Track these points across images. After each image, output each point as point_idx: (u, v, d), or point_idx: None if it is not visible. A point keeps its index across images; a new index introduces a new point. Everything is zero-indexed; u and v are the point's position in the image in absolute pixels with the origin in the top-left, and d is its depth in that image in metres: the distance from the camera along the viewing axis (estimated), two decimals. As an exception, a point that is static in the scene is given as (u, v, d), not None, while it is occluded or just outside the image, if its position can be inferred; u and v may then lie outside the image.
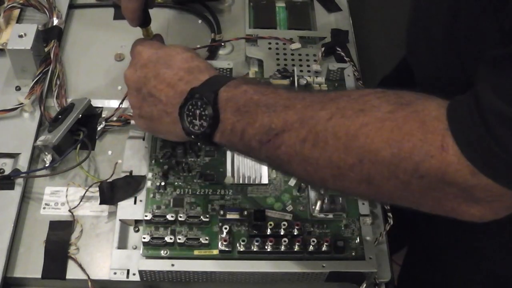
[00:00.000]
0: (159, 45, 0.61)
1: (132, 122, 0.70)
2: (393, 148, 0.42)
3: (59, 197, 0.67)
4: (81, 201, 0.66)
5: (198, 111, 0.52)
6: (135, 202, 0.64)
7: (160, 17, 0.84)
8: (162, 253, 0.60)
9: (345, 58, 0.79)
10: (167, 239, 0.60)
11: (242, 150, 0.53)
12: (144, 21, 0.64)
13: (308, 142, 0.46)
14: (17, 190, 0.65)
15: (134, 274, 0.60)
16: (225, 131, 0.51)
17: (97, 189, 0.65)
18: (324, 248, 0.60)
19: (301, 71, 0.77)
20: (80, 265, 0.61)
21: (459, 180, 0.41)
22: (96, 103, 0.73)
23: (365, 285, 0.61)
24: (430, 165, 0.41)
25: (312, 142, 0.46)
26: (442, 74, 0.65)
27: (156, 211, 0.62)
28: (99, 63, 0.80)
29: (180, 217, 0.61)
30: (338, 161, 0.45)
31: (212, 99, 0.51)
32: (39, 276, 0.61)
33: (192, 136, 0.54)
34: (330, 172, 0.46)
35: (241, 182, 0.65)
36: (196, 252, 0.60)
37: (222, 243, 0.60)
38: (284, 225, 0.61)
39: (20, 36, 0.72)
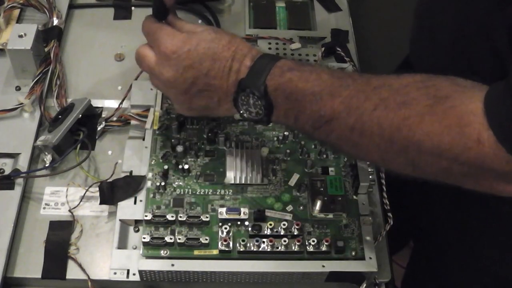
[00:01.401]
0: (191, 36, 0.58)
1: (133, 122, 0.70)
2: (434, 141, 0.46)
3: (59, 197, 0.67)
4: (81, 201, 0.66)
5: (251, 101, 0.55)
6: (135, 202, 0.64)
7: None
8: (162, 253, 0.60)
9: (345, 58, 0.79)
10: (167, 239, 0.60)
11: (298, 131, 0.64)
12: (163, 12, 0.62)
13: (356, 131, 0.50)
14: (17, 190, 0.65)
15: (134, 274, 0.60)
16: (280, 116, 0.55)
17: (97, 189, 0.65)
18: (324, 248, 0.60)
19: (301, 71, 0.77)
20: (80, 265, 0.61)
21: (496, 167, 0.44)
22: (96, 103, 0.73)
23: (365, 285, 0.61)
24: (469, 156, 0.45)
25: (360, 130, 0.50)
26: (447, 73, 0.65)
27: (156, 211, 0.62)
28: (99, 63, 0.80)
29: (180, 217, 0.61)
30: (385, 148, 0.49)
31: (263, 91, 0.53)
32: (39, 276, 0.61)
33: (251, 121, 0.58)
34: (378, 156, 0.51)
35: (241, 182, 0.65)
36: (196, 252, 0.60)
37: (222, 243, 0.60)
38: (284, 225, 0.61)
39: (20, 36, 0.72)
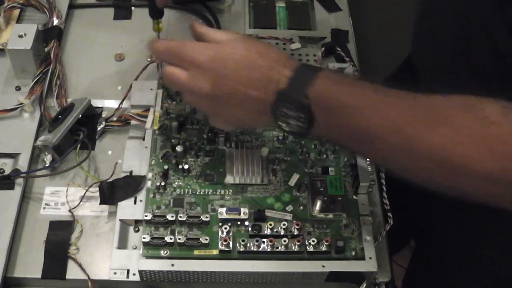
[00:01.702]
0: (222, 45, 0.56)
1: (133, 122, 0.70)
2: (483, 166, 0.45)
3: (59, 197, 0.67)
4: (81, 201, 0.66)
5: (292, 113, 0.52)
6: (135, 202, 0.64)
7: (160, 17, 0.84)
8: (162, 253, 0.60)
9: (345, 58, 0.79)
10: (167, 239, 0.60)
11: (338, 145, 0.62)
12: (157, 12, 0.62)
13: (394, 151, 0.49)
14: (17, 190, 0.65)
15: (134, 274, 0.60)
16: (320, 129, 0.53)
17: (97, 189, 0.65)
18: (324, 248, 0.60)
19: (301, 71, 0.77)
20: (80, 265, 0.62)
21: None
22: (96, 103, 0.73)
23: (365, 285, 0.61)
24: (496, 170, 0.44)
25: (404, 150, 0.48)
26: (448, 73, 0.66)
27: (156, 211, 0.62)
28: (99, 63, 0.80)
29: (180, 217, 0.61)
30: (430, 168, 0.48)
31: (305, 104, 0.51)
32: (39, 276, 0.61)
33: (291, 134, 0.56)
34: (425, 175, 0.50)
35: (241, 182, 0.65)
36: (196, 252, 0.60)
37: (222, 243, 0.60)
38: (284, 225, 0.61)
39: (20, 36, 0.72)
